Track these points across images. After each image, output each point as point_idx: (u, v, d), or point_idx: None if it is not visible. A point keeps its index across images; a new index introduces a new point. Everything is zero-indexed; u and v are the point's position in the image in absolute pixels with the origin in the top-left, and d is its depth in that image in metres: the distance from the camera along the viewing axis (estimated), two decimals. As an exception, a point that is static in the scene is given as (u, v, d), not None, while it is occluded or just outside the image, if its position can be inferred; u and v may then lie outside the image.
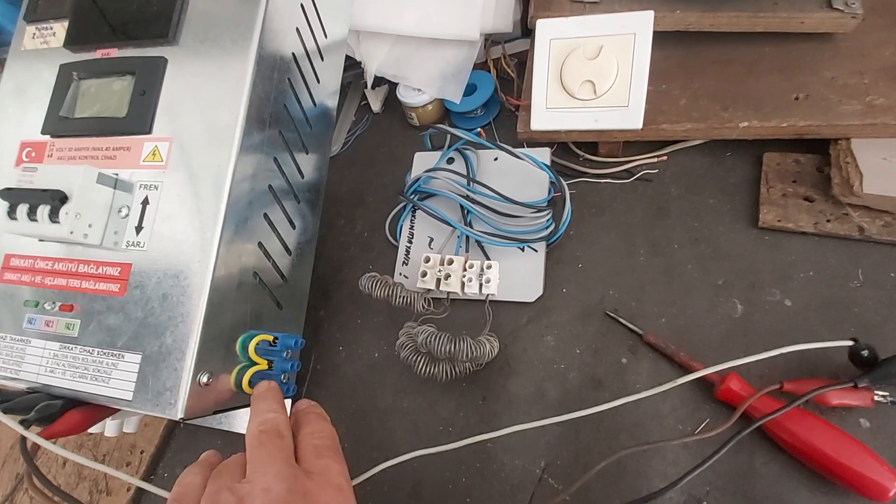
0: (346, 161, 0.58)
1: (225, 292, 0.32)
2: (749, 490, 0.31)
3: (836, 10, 0.39)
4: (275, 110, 0.37)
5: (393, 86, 0.57)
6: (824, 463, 0.29)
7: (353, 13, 0.50)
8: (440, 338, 0.35)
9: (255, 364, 0.35)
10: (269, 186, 0.37)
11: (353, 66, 0.58)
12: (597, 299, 0.40)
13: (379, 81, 0.60)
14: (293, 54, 0.39)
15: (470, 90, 0.54)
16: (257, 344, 0.35)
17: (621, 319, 0.38)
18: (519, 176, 0.45)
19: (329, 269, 0.49)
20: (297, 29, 0.39)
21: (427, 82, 0.53)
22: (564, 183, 0.42)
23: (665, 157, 0.45)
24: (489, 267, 0.41)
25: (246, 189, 0.34)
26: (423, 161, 0.50)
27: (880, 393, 0.30)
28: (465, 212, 0.44)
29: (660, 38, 0.45)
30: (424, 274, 0.42)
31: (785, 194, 0.40)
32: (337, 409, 0.42)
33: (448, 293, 0.41)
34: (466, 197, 0.44)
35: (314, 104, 0.44)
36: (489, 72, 0.54)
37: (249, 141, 0.34)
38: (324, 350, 0.45)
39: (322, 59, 0.43)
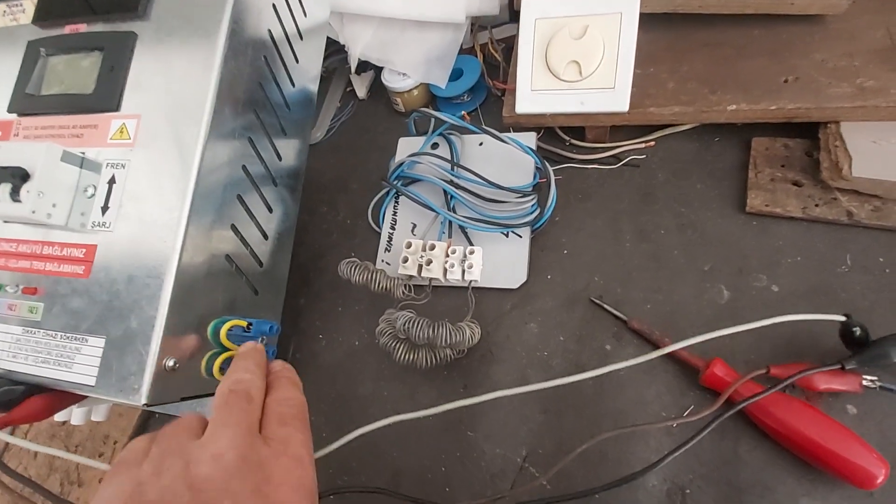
0: (330, 148, 0.56)
1: (195, 275, 0.31)
2: (733, 478, 0.30)
3: (827, -9, 0.38)
4: (249, 89, 0.36)
5: (378, 72, 0.56)
6: (810, 449, 0.28)
7: (334, -6, 0.49)
8: (419, 323, 0.34)
9: (228, 350, 0.34)
10: (244, 168, 0.36)
11: (337, 52, 0.57)
12: (582, 286, 0.39)
13: (364, 67, 0.59)
14: (270, 32, 0.38)
15: (456, 75, 0.52)
16: (230, 329, 0.34)
17: (606, 306, 0.37)
18: (504, 161, 0.44)
19: (310, 256, 0.48)
20: (274, 5, 0.38)
21: (412, 66, 0.51)
22: (550, 168, 0.41)
23: (653, 143, 0.44)
24: (472, 253, 0.40)
25: (217, 170, 0.33)
26: (407, 146, 0.49)
27: (869, 377, 0.30)
28: (449, 197, 0.43)
29: (648, 20, 0.44)
30: (406, 259, 0.41)
31: (773, 179, 0.39)
32: (316, 397, 0.41)
33: (430, 279, 0.40)
34: (450, 182, 0.43)
35: (293, 86, 0.42)
36: (476, 56, 0.53)
37: (221, 120, 0.33)
38: (303, 338, 0.44)
39: (301, 38, 0.42)
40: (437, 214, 0.43)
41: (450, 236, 0.43)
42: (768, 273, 0.36)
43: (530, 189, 0.41)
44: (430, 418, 0.37)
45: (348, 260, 0.40)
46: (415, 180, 0.46)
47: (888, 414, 0.30)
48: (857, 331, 0.30)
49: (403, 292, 0.38)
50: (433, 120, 0.47)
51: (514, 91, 0.43)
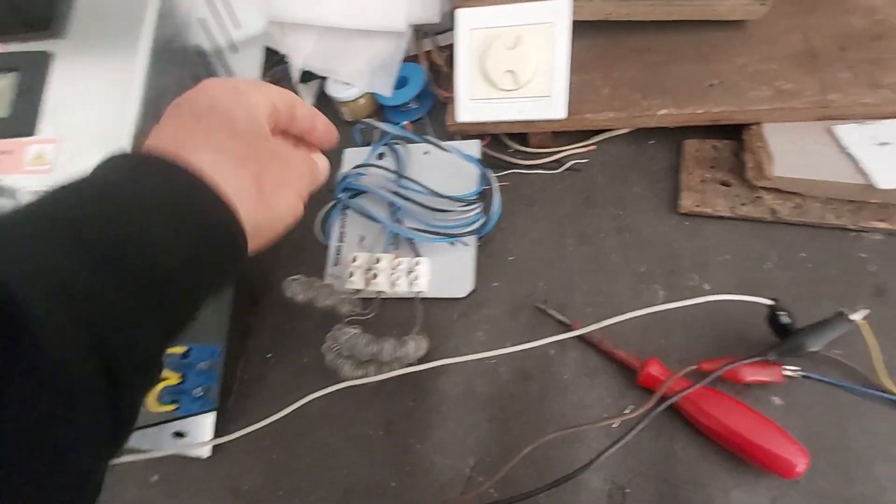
0: (278, 160, 0.55)
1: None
2: (670, 475, 0.31)
3: (746, -2, 0.40)
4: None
5: (324, 81, 0.55)
6: (737, 442, 0.29)
7: (273, 3, 0.48)
8: (362, 339, 0.34)
9: (165, 379, 0.33)
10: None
11: (282, 61, 0.56)
12: (527, 292, 0.40)
13: (309, 76, 0.58)
14: (198, 47, 0.37)
15: (401, 83, 0.52)
16: (166, 356, 0.33)
17: (550, 311, 0.38)
18: (450, 169, 0.44)
19: (258, 273, 0.47)
20: (203, 20, 0.37)
21: (356, 76, 0.51)
22: (493, 175, 0.42)
23: (594, 147, 0.45)
24: (418, 264, 0.40)
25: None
26: (353, 157, 0.49)
27: (790, 367, 0.31)
28: (395, 208, 0.43)
29: (582, 27, 0.45)
30: (352, 274, 0.40)
31: (703, 180, 0.40)
32: (265, 418, 0.40)
33: (377, 292, 0.40)
34: (396, 193, 0.43)
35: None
36: (420, 64, 0.53)
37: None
38: (252, 358, 0.43)
39: (236, 51, 0.41)
40: (384, 226, 0.43)
41: (397, 248, 0.43)
42: (700, 272, 0.37)
43: (475, 197, 0.42)
44: (379, 432, 0.37)
45: (292, 277, 0.39)
46: (361, 192, 0.45)
47: (811, 403, 0.31)
48: (784, 316, 0.31)
49: (349, 308, 0.37)
50: (378, 130, 0.47)
51: (455, 100, 0.43)
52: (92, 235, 0.17)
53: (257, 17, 0.45)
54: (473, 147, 0.45)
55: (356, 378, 0.35)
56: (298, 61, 0.52)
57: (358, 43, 0.51)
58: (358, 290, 0.41)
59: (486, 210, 0.41)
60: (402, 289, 0.40)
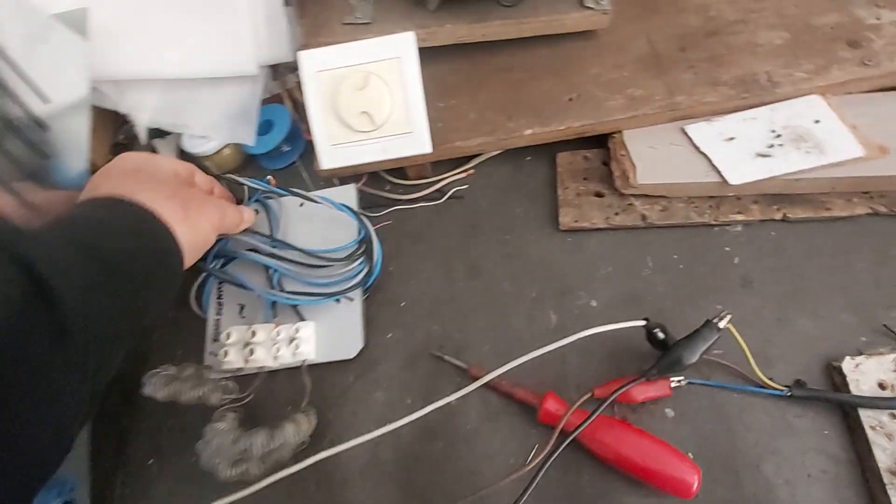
0: (143, 228, 0.49)
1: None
2: (580, 511, 0.30)
3: (589, 9, 0.40)
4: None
5: (181, 136, 0.50)
6: (635, 470, 0.29)
7: (98, 62, 0.43)
8: (228, 437, 0.31)
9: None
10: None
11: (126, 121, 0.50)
12: (422, 338, 0.38)
13: (162, 131, 0.52)
14: (-15, 134, 0.31)
15: (267, 127, 0.48)
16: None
17: (447, 357, 0.36)
18: (327, 218, 0.41)
19: (130, 364, 0.42)
20: (-13, 102, 0.32)
21: (213, 127, 0.47)
22: (369, 224, 0.39)
23: (472, 171, 0.44)
24: (298, 330, 0.36)
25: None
26: None
27: (675, 378, 0.32)
28: (272, 272, 0.40)
29: (442, 51, 0.43)
30: (227, 353, 0.36)
31: (579, 193, 0.40)
32: (153, 537, 0.35)
33: (258, 368, 0.37)
34: (271, 255, 0.39)
35: (50, 183, 0.36)
36: (284, 104, 0.49)
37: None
38: (131, 467, 0.38)
39: (46, 128, 0.36)
40: (259, 295, 0.39)
41: (277, 315, 0.39)
42: (586, 289, 0.37)
43: (356, 246, 0.39)
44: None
45: (151, 372, 0.35)
46: (234, 258, 0.41)
47: (699, 408, 0.32)
48: (658, 332, 0.32)
49: (220, 398, 0.34)
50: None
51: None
52: (86, 243, 0.25)
53: (76, 83, 0.39)
54: (349, 193, 0.42)
55: (233, 480, 0.31)
56: (143, 120, 0.46)
57: (208, 92, 0.47)
58: (239, 369, 0.37)
59: (368, 254, 0.39)
60: (286, 360, 0.36)
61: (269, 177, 0.41)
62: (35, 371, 0.20)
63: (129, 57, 0.44)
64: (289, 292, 0.38)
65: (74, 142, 0.39)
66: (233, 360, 0.36)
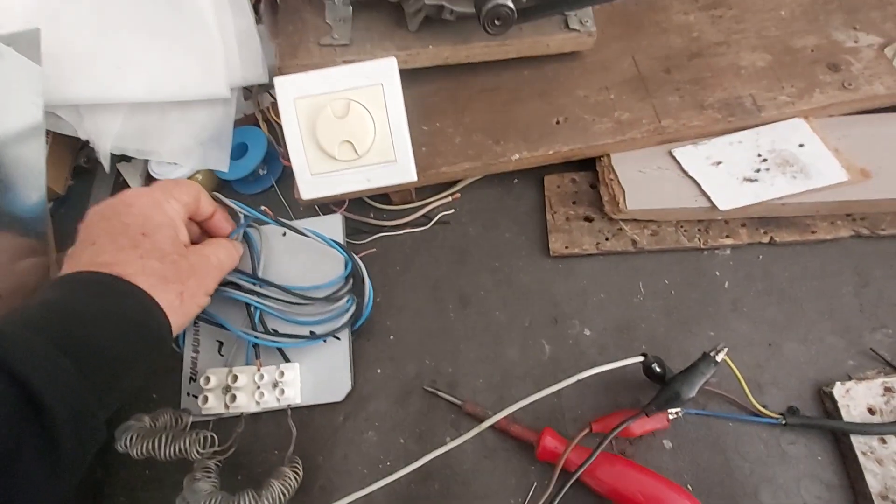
0: (111, 259, 0.46)
1: None
2: (582, 551, 0.30)
3: (574, 31, 0.40)
4: None
5: (148, 162, 0.47)
6: (636, 506, 0.29)
7: (54, 87, 0.40)
8: (211, 500, 0.29)
9: None
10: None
11: (87, 145, 0.47)
12: (414, 373, 0.37)
13: (125, 156, 0.49)
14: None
15: (241, 150, 0.46)
16: None
17: (440, 393, 0.35)
18: (313, 250, 0.39)
19: (101, 410, 0.39)
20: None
21: (182, 153, 0.44)
22: (359, 262, 0.37)
23: (458, 195, 0.43)
24: (283, 374, 0.35)
25: None
26: None
27: (672, 411, 0.31)
28: (253, 309, 0.37)
29: (425, 72, 0.42)
30: (206, 399, 0.34)
31: (568, 218, 0.40)
32: None
33: (241, 414, 0.35)
34: (252, 291, 0.37)
35: (6, 216, 0.33)
36: (259, 126, 0.47)
37: None
38: (107, 525, 0.36)
39: (-4, 162, 0.33)
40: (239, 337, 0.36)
41: (258, 356, 0.37)
42: (580, 317, 0.37)
43: (343, 282, 0.37)
44: None
45: (123, 426, 0.32)
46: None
47: (696, 439, 0.32)
48: (656, 366, 0.31)
49: (198, 451, 0.32)
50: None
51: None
52: (81, 345, 0.24)
53: (28, 109, 0.36)
54: (335, 223, 0.40)
55: None
56: (106, 146, 0.43)
57: (177, 116, 0.44)
58: (219, 415, 0.35)
59: (357, 291, 0.37)
60: (270, 404, 0.35)
61: (263, 207, 0.38)
62: (22, 485, 0.20)
63: (89, 80, 0.41)
64: (272, 333, 0.36)
65: (29, 170, 0.36)
66: (213, 405, 0.35)
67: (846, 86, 0.37)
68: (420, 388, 0.36)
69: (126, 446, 0.32)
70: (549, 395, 0.34)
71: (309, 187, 0.37)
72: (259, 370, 0.35)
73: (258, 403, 0.34)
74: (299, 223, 0.39)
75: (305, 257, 0.39)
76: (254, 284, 0.37)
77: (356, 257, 0.38)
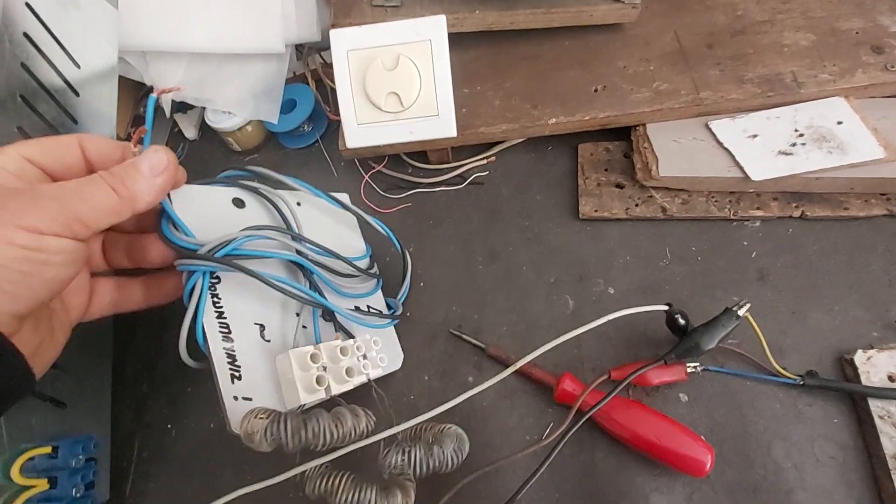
0: (163, 201, 0.50)
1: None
2: (593, 488, 0.31)
3: (619, 2, 0.41)
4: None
5: (205, 110, 0.50)
6: (649, 449, 0.30)
7: (126, 32, 0.43)
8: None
9: (28, 488, 0.28)
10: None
11: (150, 93, 0.51)
12: (441, 318, 0.39)
13: (186, 105, 0.53)
14: (21, 97, 0.31)
15: (290, 106, 0.49)
16: (26, 462, 0.28)
17: (465, 336, 0.37)
18: (330, 218, 0.36)
19: (149, 332, 0.42)
20: (24, 64, 0.32)
21: (236, 104, 0.47)
22: (403, 248, 0.37)
23: (493, 158, 0.45)
24: (377, 343, 0.32)
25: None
26: (189, 202, 0.29)
27: (691, 364, 0.32)
28: (307, 274, 0.31)
29: (469, 38, 0.44)
30: (320, 381, 0.28)
31: (599, 183, 0.41)
32: (171, 499, 0.36)
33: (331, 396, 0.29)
34: (316, 262, 0.31)
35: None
36: (308, 84, 0.50)
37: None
38: (150, 432, 0.38)
39: (77, 94, 0.36)
40: (307, 300, 0.30)
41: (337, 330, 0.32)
42: (604, 276, 0.38)
43: (369, 258, 0.37)
44: (301, 493, 0.34)
45: (257, 414, 0.26)
46: (243, 256, 0.29)
47: (712, 394, 0.33)
48: (679, 318, 0.32)
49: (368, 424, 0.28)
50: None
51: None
52: None
53: (105, 51, 0.40)
54: (345, 200, 0.37)
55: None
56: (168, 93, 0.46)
57: (234, 68, 0.47)
58: (301, 406, 0.29)
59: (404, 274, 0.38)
60: (360, 380, 0.30)
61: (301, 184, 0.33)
62: None
63: (157, 28, 0.45)
64: (347, 308, 0.32)
65: (102, 110, 0.39)
66: (321, 389, 0.28)
67: (889, 68, 0.37)
68: (446, 331, 0.38)
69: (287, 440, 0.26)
70: (570, 346, 0.36)
71: (355, 136, 0.39)
72: (354, 342, 0.31)
73: (346, 381, 0.30)
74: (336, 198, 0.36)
75: (328, 227, 0.35)
76: (299, 246, 0.31)
77: (401, 247, 0.37)
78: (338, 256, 0.33)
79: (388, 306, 0.38)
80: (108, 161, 0.25)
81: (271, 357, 0.29)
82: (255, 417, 0.26)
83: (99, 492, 0.33)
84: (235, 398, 0.28)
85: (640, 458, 0.31)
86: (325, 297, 0.31)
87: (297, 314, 0.32)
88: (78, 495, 0.30)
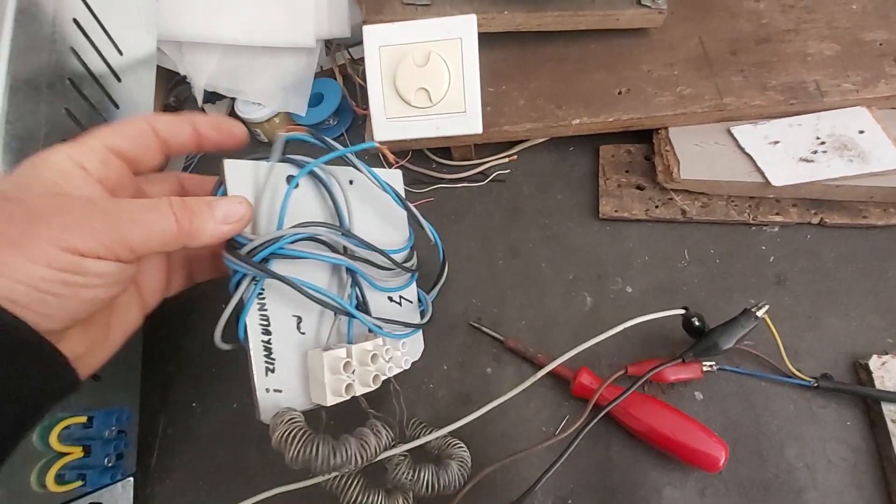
0: (190, 188, 0.51)
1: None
2: (607, 481, 0.32)
3: (645, 7, 0.42)
4: (49, 144, 0.31)
5: (234, 101, 0.52)
6: (664, 443, 0.30)
7: (163, 22, 0.44)
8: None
9: (64, 455, 0.30)
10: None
11: (183, 81, 0.52)
12: (461, 311, 0.40)
13: (217, 96, 0.54)
14: (70, 80, 0.33)
15: (317, 100, 0.50)
16: (63, 430, 0.30)
17: (484, 328, 0.38)
18: (376, 203, 0.33)
19: (176, 313, 0.44)
20: (73, 49, 0.33)
21: (266, 95, 0.48)
22: (435, 234, 0.35)
23: (515, 157, 0.46)
24: (404, 344, 0.32)
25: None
26: (241, 179, 0.27)
27: (707, 363, 0.33)
28: (350, 275, 0.30)
29: (497, 38, 0.45)
30: (348, 389, 0.28)
31: (620, 184, 0.42)
32: (194, 475, 0.37)
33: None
34: (345, 251, 0.29)
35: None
36: (336, 79, 0.51)
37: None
38: (176, 410, 0.40)
39: (119, 80, 0.37)
40: (342, 315, 0.29)
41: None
42: (623, 276, 0.39)
43: (411, 248, 0.35)
44: (321, 485, 0.35)
45: (286, 415, 0.27)
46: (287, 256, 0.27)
47: (727, 393, 0.33)
48: (695, 320, 0.33)
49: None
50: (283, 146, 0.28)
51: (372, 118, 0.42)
52: None
53: (145, 39, 0.41)
54: (396, 177, 0.34)
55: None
56: (201, 82, 0.48)
57: (265, 60, 0.48)
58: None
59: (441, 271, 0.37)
60: (391, 374, 0.31)
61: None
62: None
63: (192, 20, 0.46)
64: (377, 319, 0.30)
65: (142, 96, 0.40)
66: (355, 386, 0.28)
67: (914, 79, 0.38)
68: (466, 323, 0.39)
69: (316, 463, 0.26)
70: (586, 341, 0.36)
71: (383, 130, 0.40)
72: (384, 346, 0.30)
73: (375, 380, 0.30)
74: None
75: (373, 212, 0.33)
76: (349, 243, 0.29)
77: (435, 235, 0.35)
78: (382, 252, 0.31)
79: (419, 300, 0.36)
80: (179, 141, 0.24)
81: (303, 350, 0.29)
82: (287, 431, 0.26)
83: (127, 464, 0.34)
84: (267, 390, 0.28)
85: (654, 452, 0.32)
86: (359, 300, 0.30)
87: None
88: (109, 465, 0.32)
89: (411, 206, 0.34)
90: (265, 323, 0.28)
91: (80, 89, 0.33)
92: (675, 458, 0.31)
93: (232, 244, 0.26)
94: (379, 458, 0.28)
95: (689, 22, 0.45)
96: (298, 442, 0.26)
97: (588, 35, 0.44)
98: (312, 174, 0.30)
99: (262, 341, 0.28)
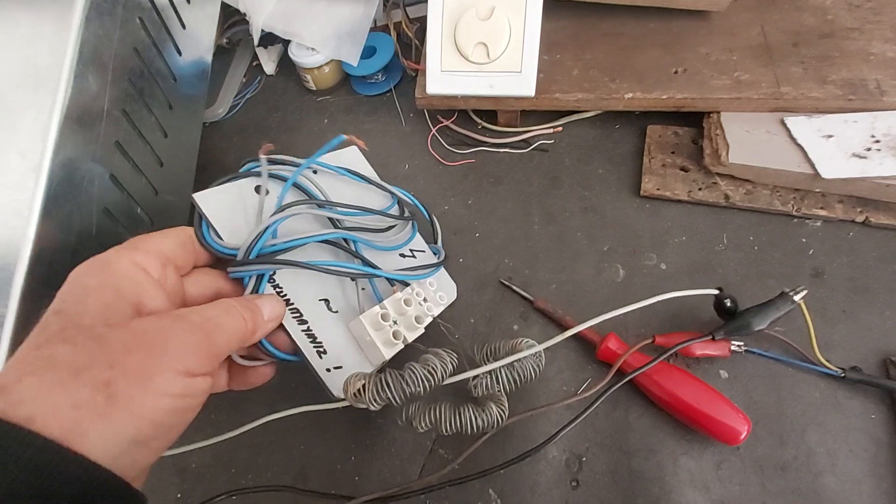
0: (235, 127, 0.52)
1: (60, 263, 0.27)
2: (624, 443, 0.32)
3: (711, -11, 0.41)
4: (121, 53, 0.32)
5: (287, 45, 0.52)
6: (686, 412, 0.31)
7: (229, -43, 0.45)
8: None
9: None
10: (117, 144, 0.32)
11: (242, 21, 0.53)
12: (492, 268, 0.40)
13: (271, 39, 0.55)
14: (139, 19, 0.33)
15: (369, 53, 0.50)
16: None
17: (514, 287, 0.38)
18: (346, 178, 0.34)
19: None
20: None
21: (321, 41, 0.49)
22: (403, 192, 0.37)
23: (560, 129, 0.46)
24: (433, 284, 0.34)
25: (80, 145, 0.29)
26: (214, 206, 0.28)
27: (736, 343, 0.33)
28: (349, 244, 0.31)
29: (555, 8, 0.45)
30: (396, 335, 0.30)
31: (664, 164, 0.42)
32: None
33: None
34: (339, 225, 0.31)
35: (180, 55, 0.38)
36: (390, 35, 0.51)
37: (83, 89, 0.29)
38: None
39: (188, 2, 0.38)
40: (360, 278, 0.32)
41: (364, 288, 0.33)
42: (658, 252, 0.39)
43: (397, 205, 0.37)
44: (340, 408, 0.36)
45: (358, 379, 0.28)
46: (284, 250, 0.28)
47: (752, 375, 0.33)
48: (728, 302, 0.33)
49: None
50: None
51: (425, 71, 0.42)
52: None
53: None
54: (355, 155, 0.36)
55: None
56: (259, 21, 0.49)
57: (324, 6, 0.49)
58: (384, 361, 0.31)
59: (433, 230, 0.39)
60: (426, 323, 0.32)
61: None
62: None
63: (258, -42, 0.47)
64: (397, 270, 0.33)
65: (201, 31, 0.41)
66: (407, 335, 0.31)
67: (980, 87, 0.37)
68: (496, 280, 0.39)
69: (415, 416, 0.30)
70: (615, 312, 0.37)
71: (436, 83, 0.41)
72: (413, 290, 0.33)
73: (414, 327, 0.32)
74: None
75: (347, 190, 0.34)
76: (336, 215, 0.31)
77: (416, 201, 0.37)
78: (370, 211, 0.33)
79: (431, 252, 0.38)
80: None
81: (344, 325, 0.31)
82: (358, 383, 0.27)
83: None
84: (328, 370, 0.29)
85: (672, 422, 0.32)
86: (369, 262, 0.31)
87: (353, 280, 0.33)
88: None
89: (369, 175, 0.35)
90: (297, 314, 0.29)
91: (153, 3, 0.34)
92: (695, 428, 0.31)
93: (224, 261, 0.27)
94: (450, 380, 0.29)
95: (753, 11, 0.44)
96: (371, 386, 0.27)
97: (648, 13, 0.44)
98: (277, 178, 0.31)
99: (303, 331, 0.29)
